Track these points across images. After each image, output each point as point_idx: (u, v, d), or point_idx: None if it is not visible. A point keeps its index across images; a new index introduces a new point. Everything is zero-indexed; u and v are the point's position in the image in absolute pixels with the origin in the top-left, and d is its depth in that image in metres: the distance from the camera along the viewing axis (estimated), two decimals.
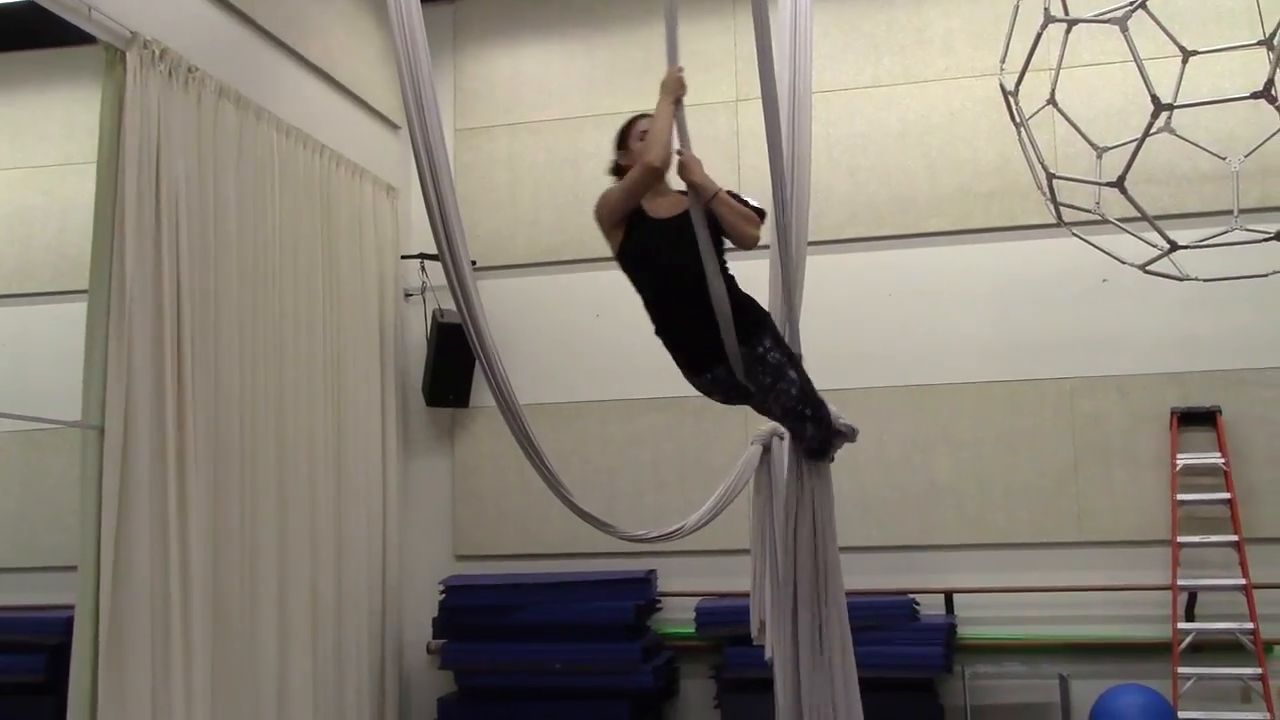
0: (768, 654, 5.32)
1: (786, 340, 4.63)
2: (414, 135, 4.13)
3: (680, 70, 4.46)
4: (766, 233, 4.66)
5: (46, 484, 7.67)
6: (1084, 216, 6.85)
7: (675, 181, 4.54)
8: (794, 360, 4.61)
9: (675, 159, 4.45)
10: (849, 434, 4.80)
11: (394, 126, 8.94)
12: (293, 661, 7.09)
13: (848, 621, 4.82)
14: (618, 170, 4.74)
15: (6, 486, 7.88)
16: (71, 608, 5.73)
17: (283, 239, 7.27)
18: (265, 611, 6.83)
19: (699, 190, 4.38)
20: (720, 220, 4.45)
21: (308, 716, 7.18)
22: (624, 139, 4.75)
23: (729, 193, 4.47)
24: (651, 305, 4.64)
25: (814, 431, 4.72)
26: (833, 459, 4.86)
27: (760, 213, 4.54)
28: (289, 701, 7.03)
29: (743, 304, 4.48)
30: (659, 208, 4.60)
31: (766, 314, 4.65)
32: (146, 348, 5.91)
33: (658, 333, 4.66)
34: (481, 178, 9.12)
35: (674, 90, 4.45)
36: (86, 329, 5.87)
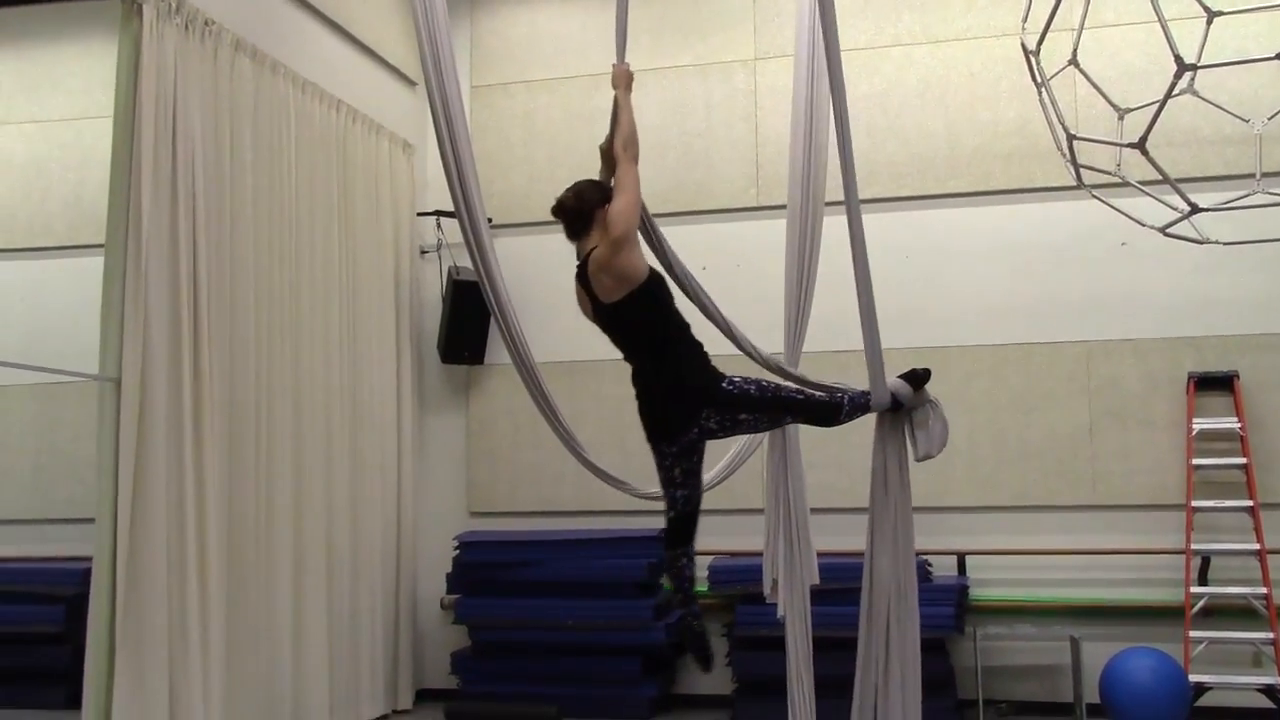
0: (780, 612, 5.35)
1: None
2: (431, 92, 4.13)
3: (627, 65, 4.82)
4: (783, 194, 4.64)
5: (64, 436, 7.72)
6: (1104, 179, 6.80)
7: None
8: (739, 404, 4.61)
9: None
10: (861, 401, 4.78)
11: (411, 83, 8.91)
12: (308, 615, 7.16)
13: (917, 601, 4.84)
14: (578, 217, 4.73)
15: (24, 439, 7.93)
16: (89, 559, 5.78)
17: (299, 194, 7.26)
18: (281, 565, 6.88)
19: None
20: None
21: (323, 669, 7.26)
22: (609, 200, 4.68)
23: None
24: None
25: (805, 418, 4.83)
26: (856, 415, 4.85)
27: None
28: (304, 654, 7.10)
29: (694, 361, 4.61)
30: (602, 288, 4.63)
31: (700, 391, 4.60)
32: (163, 301, 5.93)
33: None
34: (498, 135, 9.08)
35: (627, 84, 4.79)
36: (103, 283, 5.89)
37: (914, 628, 4.78)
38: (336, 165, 7.77)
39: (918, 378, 4.85)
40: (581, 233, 4.70)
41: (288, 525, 6.96)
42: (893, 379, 4.79)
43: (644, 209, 4.69)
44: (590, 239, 4.65)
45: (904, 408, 4.83)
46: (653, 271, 4.63)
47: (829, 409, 4.76)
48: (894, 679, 4.70)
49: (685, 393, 4.59)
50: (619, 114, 4.72)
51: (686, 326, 4.68)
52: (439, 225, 8.84)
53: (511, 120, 9.11)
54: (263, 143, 6.90)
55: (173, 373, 5.96)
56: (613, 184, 4.76)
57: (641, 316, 4.62)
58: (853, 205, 4.32)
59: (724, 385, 4.59)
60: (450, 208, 4.46)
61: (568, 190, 4.75)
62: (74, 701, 5.81)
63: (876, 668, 4.75)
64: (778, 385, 4.73)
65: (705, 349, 4.68)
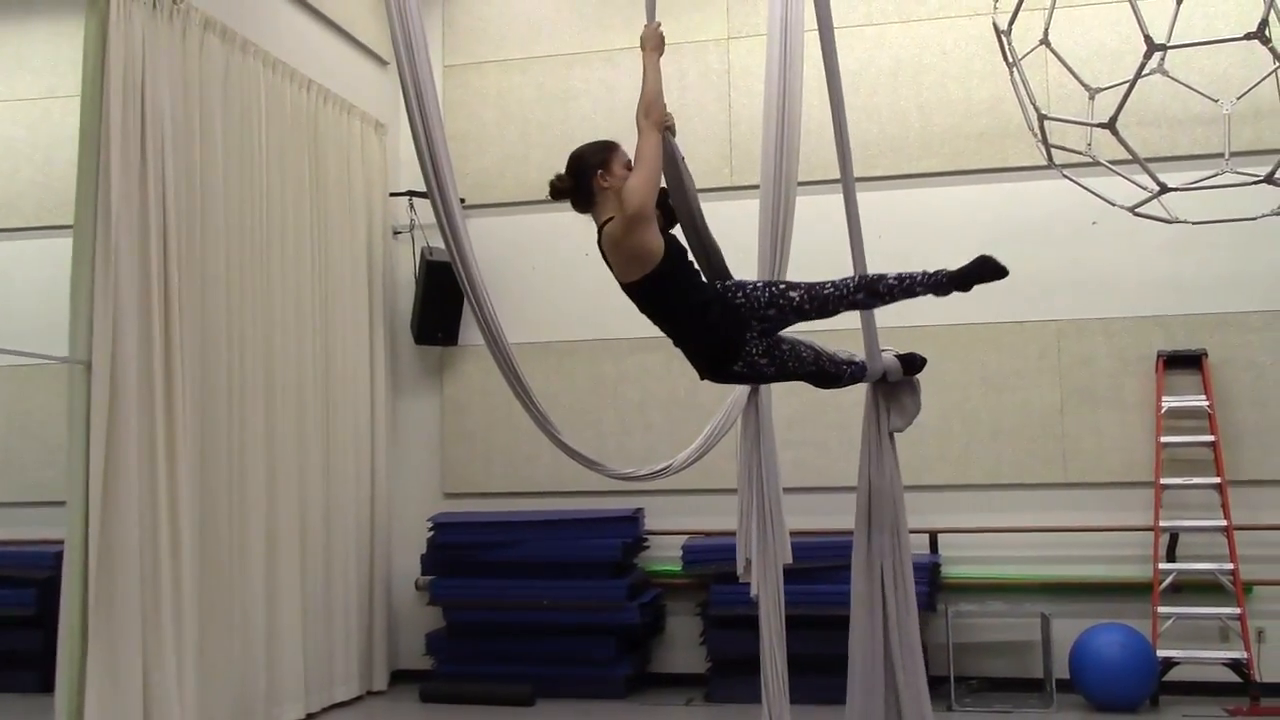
0: (753, 591, 5.37)
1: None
2: (402, 71, 4.09)
3: (659, 25, 4.50)
4: (756, 174, 4.63)
5: (34, 419, 7.66)
6: (1075, 158, 6.83)
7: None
8: (746, 379, 4.61)
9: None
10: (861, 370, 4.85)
11: (382, 62, 8.85)
12: (282, 597, 7.14)
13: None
14: (574, 193, 4.36)
15: None
16: (61, 542, 5.75)
17: (270, 174, 7.22)
18: (254, 547, 6.86)
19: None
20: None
21: (297, 651, 7.25)
22: (605, 164, 4.36)
23: None
24: None
25: (809, 382, 4.75)
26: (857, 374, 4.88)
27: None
28: (278, 636, 7.09)
29: (713, 339, 4.41)
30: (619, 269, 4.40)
31: (736, 334, 4.41)
32: (133, 283, 5.89)
33: None
34: (471, 115, 9.04)
35: (656, 46, 4.47)
36: (72, 264, 5.84)
37: (911, 584, 4.83)
38: (308, 145, 7.72)
39: (914, 365, 4.90)
40: (588, 205, 4.39)
41: (261, 508, 6.94)
42: (889, 356, 4.85)
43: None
44: (602, 208, 4.34)
45: (888, 380, 4.90)
46: (669, 251, 4.34)
47: (831, 378, 4.79)
48: (907, 639, 4.73)
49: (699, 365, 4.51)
50: (644, 77, 4.44)
51: (704, 290, 4.44)
52: (411, 205, 8.80)
53: (484, 100, 9.07)
54: (233, 123, 6.85)
55: (143, 355, 5.93)
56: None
57: (657, 299, 4.40)
58: (848, 181, 4.32)
59: (735, 369, 4.43)
60: (423, 188, 4.44)
61: (566, 164, 4.42)
62: (47, 685, 5.80)
63: (887, 629, 4.75)
64: (798, 357, 4.58)
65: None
